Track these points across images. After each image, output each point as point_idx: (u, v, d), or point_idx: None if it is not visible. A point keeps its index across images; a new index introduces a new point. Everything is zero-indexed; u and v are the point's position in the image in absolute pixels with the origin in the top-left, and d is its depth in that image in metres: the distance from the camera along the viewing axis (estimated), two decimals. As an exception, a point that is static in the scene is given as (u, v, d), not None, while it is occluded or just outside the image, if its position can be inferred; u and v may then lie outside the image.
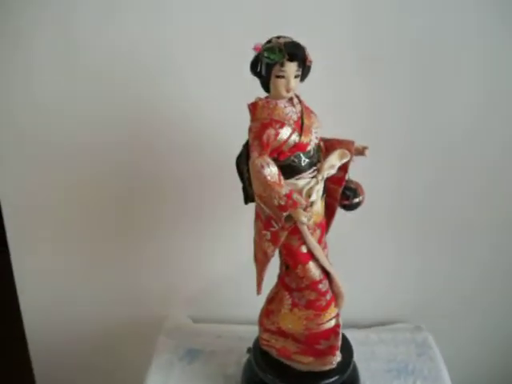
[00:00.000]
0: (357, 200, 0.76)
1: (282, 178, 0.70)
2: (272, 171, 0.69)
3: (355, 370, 0.86)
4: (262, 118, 0.70)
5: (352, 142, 0.74)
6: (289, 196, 0.67)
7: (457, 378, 0.94)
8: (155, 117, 0.95)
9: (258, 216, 0.74)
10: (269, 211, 0.70)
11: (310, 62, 0.69)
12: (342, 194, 0.76)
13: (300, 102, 0.73)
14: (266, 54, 0.67)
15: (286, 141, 0.70)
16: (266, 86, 0.70)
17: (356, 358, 0.87)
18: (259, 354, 0.85)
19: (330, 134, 0.76)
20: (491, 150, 0.97)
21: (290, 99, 0.72)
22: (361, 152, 0.75)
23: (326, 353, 0.80)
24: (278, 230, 0.70)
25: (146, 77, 0.93)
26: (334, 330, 0.80)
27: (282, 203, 0.67)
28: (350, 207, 0.77)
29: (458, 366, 0.99)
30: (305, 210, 0.68)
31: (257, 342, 0.87)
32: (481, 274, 1.07)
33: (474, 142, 0.96)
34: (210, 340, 1.04)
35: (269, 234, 0.71)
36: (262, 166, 0.68)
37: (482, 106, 0.94)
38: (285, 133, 0.69)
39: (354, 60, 0.90)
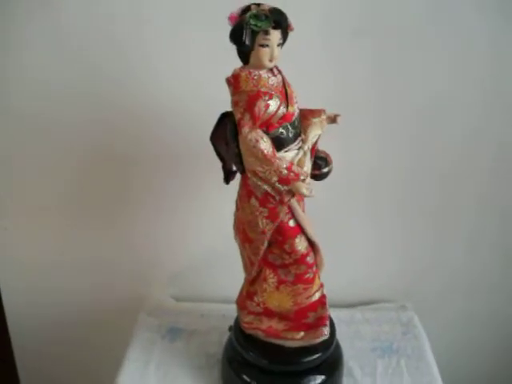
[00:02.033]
0: (327, 169, 0.75)
1: (275, 150, 0.67)
2: (267, 145, 0.66)
3: (338, 348, 0.86)
4: (247, 90, 0.67)
5: (324, 111, 0.73)
6: (289, 168, 0.66)
7: (441, 356, 0.94)
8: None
9: (250, 194, 0.71)
10: (266, 187, 0.68)
11: (292, 29, 0.66)
12: (314, 164, 0.74)
13: (279, 71, 0.70)
14: (252, 22, 0.63)
15: (276, 112, 0.67)
16: (245, 56, 0.67)
17: (340, 337, 0.87)
18: (240, 332, 0.84)
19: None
20: (470, 119, 0.95)
21: (270, 69, 0.69)
22: (333, 120, 0.74)
23: (317, 325, 0.80)
24: (275, 206, 0.69)
25: (121, 60, 0.91)
26: (321, 301, 0.80)
27: (283, 176, 0.65)
28: (320, 177, 0.76)
29: (442, 344, 1.00)
30: (303, 181, 0.66)
31: (237, 320, 0.86)
32: (465, 251, 1.07)
33: (451, 113, 0.94)
34: (192, 319, 1.03)
35: (266, 210, 0.69)
36: (257, 141, 0.66)
37: (455, 78, 0.92)
38: (274, 104, 0.67)
39: (328, 32, 0.88)
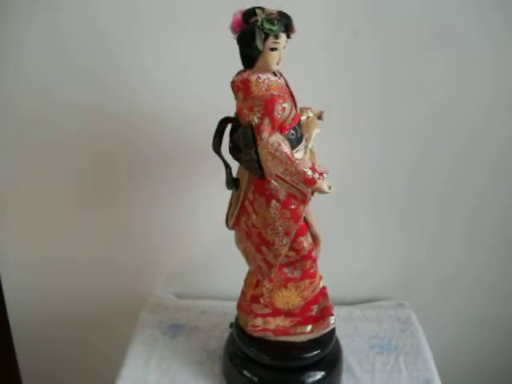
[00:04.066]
0: None
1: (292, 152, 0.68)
2: (288, 147, 0.67)
3: (337, 344, 0.87)
4: (260, 94, 0.66)
5: (310, 108, 0.75)
6: (313, 169, 0.66)
7: (438, 353, 0.96)
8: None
9: (270, 198, 0.69)
10: (288, 188, 0.68)
11: (294, 32, 0.66)
12: None
13: (280, 74, 0.71)
14: (266, 26, 0.63)
15: (289, 114, 0.68)
16: (253, 60, 0.66)
17: (340, 334, 0.88)
18: (240, 328, 0.84)
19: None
20: (471, 120, 0.96)
21: (273, 72, 0.69)
22: (319, 116, 0.76)
23: (323, 316, 0.82)
24: (297, 206, 0.69)
25: (119, 63, 0.92)
26: (322, 292, 0.81)
27: (309, 177, 0.66)
28: None
29: (439, 342, 1.01)
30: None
31: (237, 318, 0.86)
32: (464, 250, 1.08)
33: (452, 113, 0.95)
34: (193, 315, 1.04)
35: (288, 212, 0.69)
36: (279, 144, 0.66)
37: (457, 79, 0.93)
38: (288, 107, 0.67)
39: (330, 32, 0.89)
